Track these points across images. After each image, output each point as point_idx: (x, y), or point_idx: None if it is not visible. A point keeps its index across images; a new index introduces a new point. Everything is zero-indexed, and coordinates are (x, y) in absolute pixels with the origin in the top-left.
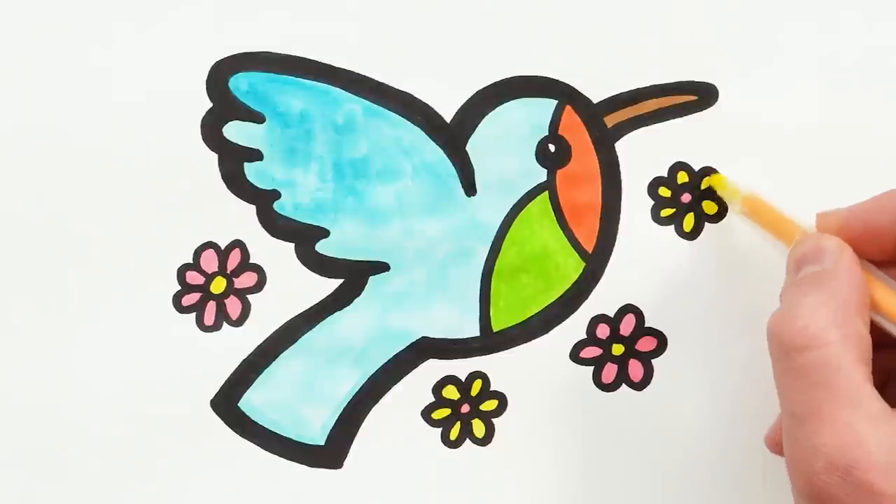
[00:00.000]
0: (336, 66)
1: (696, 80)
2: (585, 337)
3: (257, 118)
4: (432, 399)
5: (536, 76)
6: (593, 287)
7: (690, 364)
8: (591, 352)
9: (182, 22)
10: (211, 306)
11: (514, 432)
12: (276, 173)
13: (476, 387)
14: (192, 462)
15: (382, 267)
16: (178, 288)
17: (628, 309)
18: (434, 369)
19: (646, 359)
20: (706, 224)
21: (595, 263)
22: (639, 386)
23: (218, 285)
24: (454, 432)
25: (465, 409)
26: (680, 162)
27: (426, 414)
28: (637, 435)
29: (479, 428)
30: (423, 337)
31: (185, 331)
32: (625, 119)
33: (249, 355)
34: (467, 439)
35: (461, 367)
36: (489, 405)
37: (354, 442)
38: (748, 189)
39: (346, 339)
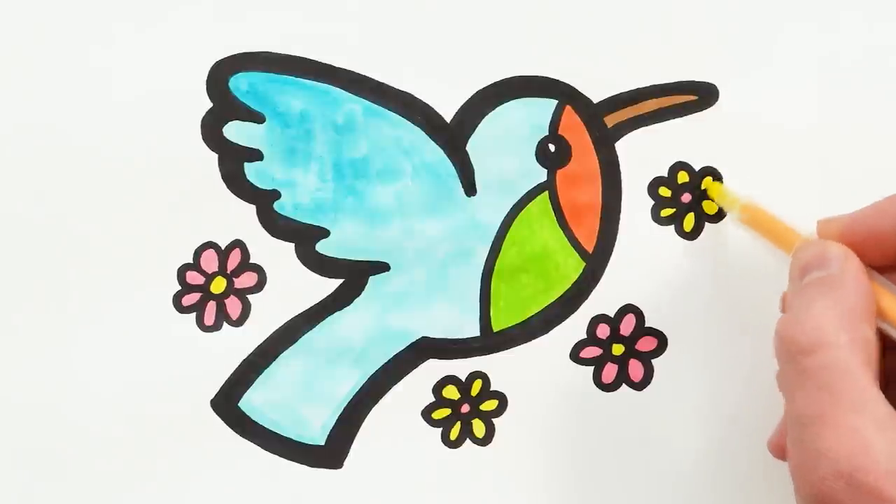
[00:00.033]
0: (336, 66)
1: (696, 80)
2: (585, 337)
3: (257, 118)
4: (432, 399)
5: (536, 76)
6: (593, 287)
7: (690, 364)
8: (591, 352)
9: (182, 22)
10: (211, 306)
11: (514, 432)
12: (276, 173)
13: (476, 387)
14: (192, 462)
15: (382, 267)
16: (178, 288)
17: (628, 309)
18: (434, 369)
19: (646, 359)
20: (706, 224)
21: (595, 263)
22: (639, 386)
23: (218, 285)
24: (454, 432)
25: (466, 409)
26: (680, 162)
27: (426, 414)
28: (637, 435)
29: (479, 428)
30: (424, 337)
31: (185, 331)
32: (625, 119)
33: (249, 355)
34: (467, 439)
35: (461, 367)
36: (489, 405)
37: (354, 442)
38: (747, 198)
39: (346, 339)
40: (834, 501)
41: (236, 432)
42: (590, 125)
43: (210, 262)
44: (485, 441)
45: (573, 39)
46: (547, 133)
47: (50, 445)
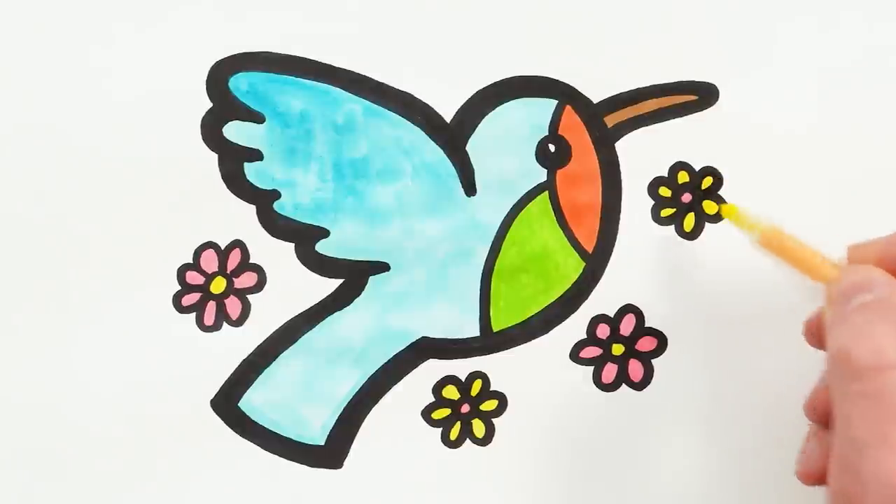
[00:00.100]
0: (336, 66)
1: (696, 80)
2: (585, 337)
3: (257, 118)
4: (432, 399)
5: (536, 76)
6: (593, 287)
7: (690, 364)
8: (591, 352)
9: (182, 22)
10: (211, 306)
11: (514, 432)
12: (276, 173)
13: (476, 387)
14: (192, 462)
15: (382, 267)
16: (178, 288)
17: (628, 309)
18: (434, 369)
19: (646, 359)
20: (706, 224)
21: (595, 263)
22: (639, 386)
23: (218, 285)
24: (454, 432)
25: (465, 409)
26: (680, 162)
27: (426, 414)
28: (637, 435)
29: (479, 428)
30: (423, 337)
31: (185, 331)
32: (625, 119)
33: (249, 355)
34: (467, 439)
35: (461, 367)
36: (489, 405)
37: (354, 442)
38: (768, 222)
39: (346, 339)
40: None
41: (236, 432)
42: (590, 125)
43: (210, 262)
44: (485, 441)
45: (573, 39)
46: (547, 133)
47: (50, 445)
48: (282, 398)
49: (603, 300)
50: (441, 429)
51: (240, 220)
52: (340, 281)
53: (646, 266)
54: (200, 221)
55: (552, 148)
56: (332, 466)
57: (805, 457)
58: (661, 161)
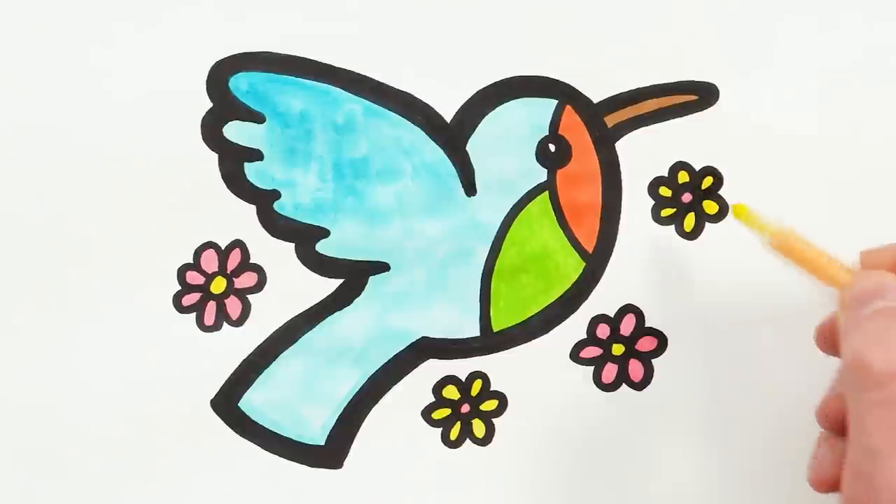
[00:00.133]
0: (336, 66)
1: (696, 80)
2: (585, 337)
3: (257, 118)
4: (432, 399)
5: (536, 76)
6: (593, 287)
7: (690, 364)
8: (591, 352)
9: (182, 22)
10: (211, 306)
11: (514, 432)
12: (276, 173)
13: (476, 387)
14: (192, 462)
15: (382, 267)
16: (178, 288)
17: (628, 309)
18: (434, 369)
19: (646, 359)
20: (706, 224)
21: (595, 263)
22: (639, 386)
23: (218, 285)
24: (454, 432)
25: (466, 409)
26: (680, 162)
27: (426, 414)
28: (637, 435)
29: (479, 428)
30: (423, 337)
31: (185, 331)
32: (625, 119)
33: (249, 355)
34: (467, 439)
35: (461, 367)
36: (489, 405)
37: (354, 442)
38: (780, 223)
39: (346, 339)
40: None
41: (236, 432)
42: (590, 125)
43: (210, 262)
44: (485, 441)
45: (573, 39)
46: (547, 133)
47: (50, 445)
48: (282, 398)
49: (603, 300)
50: (441, 429)
51: (240, 220)
52: (340, 281)
53: (646, 266)
54: (200, 221)
55: (552, 148)
56: (332, 466)
57: (817, 463)
58: (661, 161)
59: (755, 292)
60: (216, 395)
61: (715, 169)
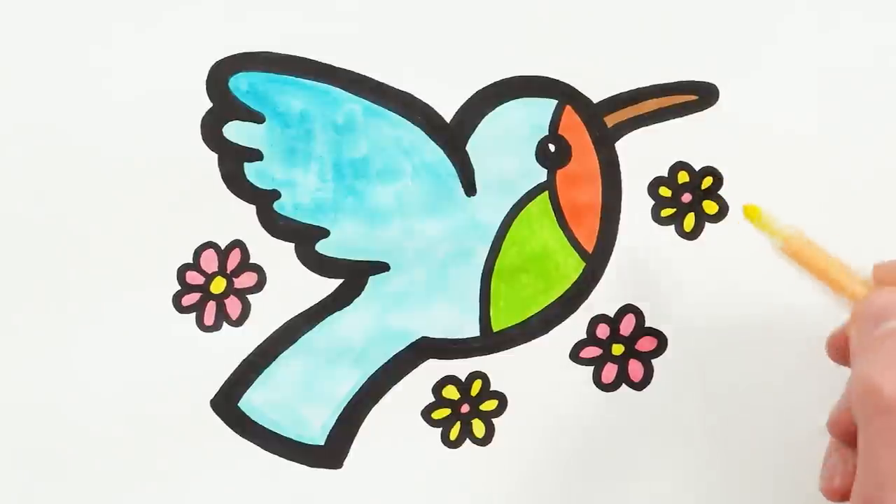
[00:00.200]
0: (336, 66)
1: (696, 80)
2: (585, 337)
3: (257, 118)
4: (432, 399)
5: (536, 76)
6: (593, 287)
7: (690, 364)
8: (591, 352)
9: (182, 22)
10: (211, 306)
11: (514, 432)
12: (276, 173)
13: (476, 387)
14: (192, 462)
15: (382, 267)
16: (178, 288)
17: (628, 309)
18: (434, 369)
19: (646, 359)
20: (706, 224)
21: (595, 263)
22: (639, 386)
23: (218, 285)
24: (454, 432)
25: (465, 409)
26: (680, 162)
27: (426, 414)
28: (637, 435)
29: (479, 428)
30: (423, 337)
31: (185, 331)
32: (625, 119)
33: (249, 355)
34: (467, 439)
35: (461, 367)
36: (489, 405)
37: (354, 442)
38: (793, 228)
39: (346, 339)
40: None
41: (236, 432)
42: (590, 125)
43: (210, 262)
44: (485, 441)
45: (573, 39)
46: (547, 133)
47: (50, 445)
48: (282, 398)
49: (603, 300)
50: (441, 429)
51: (240, 220)
52: (340, 281)
53: (646, 266)
54: (200, 221)
55: (552, 148)
56: (332, 466)
57: (829, 473)
58: (661, 161)
59: (755, 292)
60: (216, 395)
61: (715, 169)
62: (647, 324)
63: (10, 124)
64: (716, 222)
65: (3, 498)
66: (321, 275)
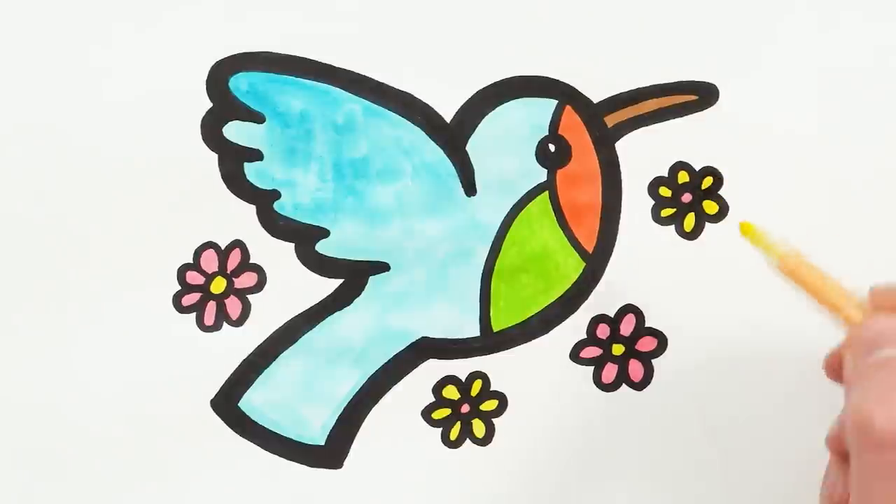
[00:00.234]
0: (336, 66)
1: (696, 80)
2: (585, 337)
3: (257, 118)
4: (432, 399)
5: (536, 76)
6: (593, 287)
7: (690, 364)
8: (591, 352)
9: (182, 22)
10: (211, 306)
11: (514, 432)
12: (276, 173)
13: (476, 387)
14: (192, 462)
15: (382, 267)
16: (178, 288)
17: (628, 309)
18: (434, 369)
19: (646, 359)
20: (706, 224)
21: (595, 263)
22: (639, 386)
23: (218, 285)
24: (454, 432)
25: (465, 409)
26: (680, 162)
27: (426, 414)
28: (637, 435)
29: (479, 428)
30: (423, 337)
31: (185, 331)
32: (625, 119)
33: (249, 355)
34: (467, 439)
35: (461, 367)
36: (489, 405)
37: (354, 442)
38: (788, 246)
39: (346, 339)
40: None
41: (236, 432)
42: (590, 125)
43: (210, 262)
44: (485, 441)
45: (573, 39)
46: (547, 133)
47: (50, 445)
48: (282, 398)
49: (603, 300)
50: (441, 429)
51: (240, 220)
52: (340, 281)
53: (646, 266)
54: (200, 221)
55: (552, 148)
56: (332, 466)
57: (829, 488)
58: (661, 161)
59: (755, 292)
60: (216, 395)
61: (715, 169)
62: (647, 324)
63: (10, 124)
64: (716, 222)
65: (3, 498)
66: (321, 275)
